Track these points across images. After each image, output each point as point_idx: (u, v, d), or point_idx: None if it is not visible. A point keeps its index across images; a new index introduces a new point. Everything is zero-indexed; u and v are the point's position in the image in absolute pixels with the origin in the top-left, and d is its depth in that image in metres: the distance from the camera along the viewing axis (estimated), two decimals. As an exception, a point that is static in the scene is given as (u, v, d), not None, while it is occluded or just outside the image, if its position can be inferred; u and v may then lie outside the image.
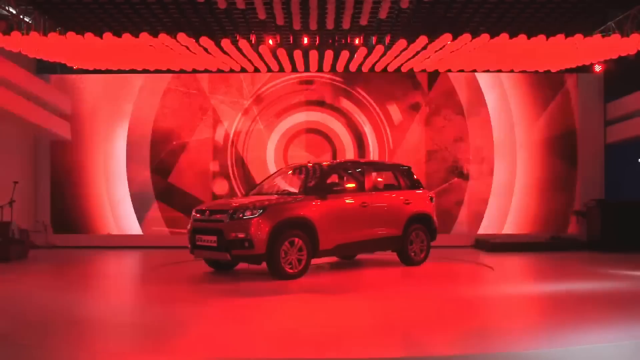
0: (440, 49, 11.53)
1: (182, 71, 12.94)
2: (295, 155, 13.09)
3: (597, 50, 11.26)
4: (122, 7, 11.23)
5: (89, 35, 10.70)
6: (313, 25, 11.31)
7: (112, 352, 4.36)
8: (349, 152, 13.36)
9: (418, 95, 13.50)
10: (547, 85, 13.54)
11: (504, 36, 10.92)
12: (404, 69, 12.81)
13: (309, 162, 9.76)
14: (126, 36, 10.68)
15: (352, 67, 12.86)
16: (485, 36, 10.99)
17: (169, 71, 12.99)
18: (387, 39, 12.62)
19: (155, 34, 11.02)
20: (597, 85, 13.64)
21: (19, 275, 8.88)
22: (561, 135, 13.53)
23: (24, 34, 10.35)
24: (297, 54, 12.32)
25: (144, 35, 10.74)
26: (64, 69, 12.98)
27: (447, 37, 11.02)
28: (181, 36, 10.98)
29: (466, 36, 11.04)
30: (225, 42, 11.32)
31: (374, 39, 13.13)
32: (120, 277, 8.54)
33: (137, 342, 4.63)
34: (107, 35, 10.74)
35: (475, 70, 13.15)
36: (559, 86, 13.54)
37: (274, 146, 13.31)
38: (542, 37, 11.03)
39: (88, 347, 4.50)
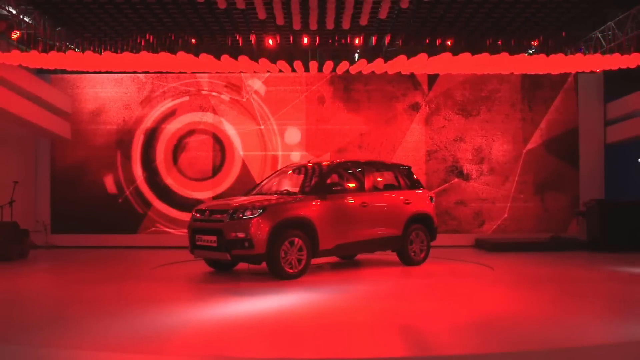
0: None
1: (181, 72, 12.94)
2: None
3: (597, 64, 11.44)
4: (122, 7, 11.24)
5: (88, 53, 10.91)
6: (313, 26, 11.32)
7: (112, 352, 4.36)
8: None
9: (418, 95, 13.50)
10: (547, 85, 13.54)
11: (504, 55, 11.08)
12: (403, 72, 12.83)
13: (309, 162, 9.76)
14: (126, 54, 10.94)
15: (352, 71, 12.86)
16: (485, 55, 11.14)
17: (168, 72, 12.98)
18: (387, 39, 12.63)
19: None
20: (597, 85, 13.64)
21: (19, 275, 8.87)
22: (561, 135, 13.52)
23: (23, 50, 10.54)
24: (298, 65, 12.35)
25: (144, 54, 10.95)
26: (64, 69, 12.97)
27: (447, 56, 11.16)
28: (181, 54, 11.10)
29: (466, 55, 11.18)
30: (225, 58, 11.41)
31: (374, 39, 13.13)
32: (120, 277, 8.53)
33: (137, 342, 4.62)
34: (107, 54, 10.99)
35: (475, 74, 13.15)
36: (559, 86, 13.53)
37: (271, 145, 13.32)
38: (542, 56, 11.27)
39: (88, 347, 4.50)
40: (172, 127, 13.35)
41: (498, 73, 13.06)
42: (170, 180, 13.26)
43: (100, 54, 10.94)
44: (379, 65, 12.01)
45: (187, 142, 13.34)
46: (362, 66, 12.20)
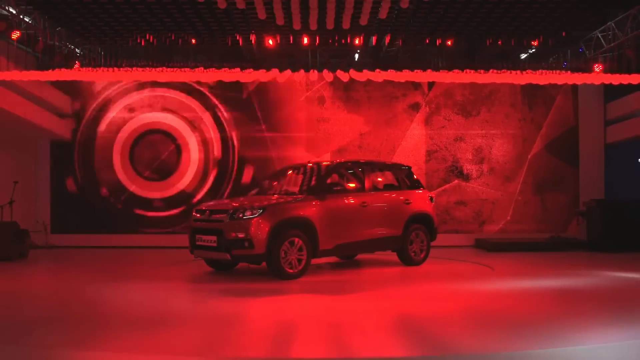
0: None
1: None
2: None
3: (597, 79, 11.58)
4: (122, 7, 11.25)
5: (88, 70, 11.05)
6: (313, 26, 11.32)
7: (112, 352, 4.36)
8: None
9: (418, 95, 13.49)
10: (547, 86, 13.52)
11: (505, 72, 11.19)
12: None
13: (309, 162, 9.75)
14: (125, 73, 11.10)
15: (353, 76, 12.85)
16: (483, 74, 11.27)
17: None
18: (387, 39, 12.64)
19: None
20: (597, 85, 13.62)
21: (19, 275, 8.87)
22: (561, 135, 13.52)
23: (22, 70, 10.82)
24: (300, 75, 12.41)
25: (147, 72, 11.12)
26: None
27: (444, 74, 11.26)
28: (184, 72, 11.22)
29: (465, 74, 11.29)
30: (226, 71, 11.52)
31: (374, 39, 13.13)
32: (120, 277, 8.53)
33: (137, 341, 4.62)
34: (106, 72, 11.12)
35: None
36: (559, 86, 13.52)
37: (275, 145, 13.29)
38: (543, 71, 11.47)
39: (87, 347, 4.50)
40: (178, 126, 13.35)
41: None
42: None
43: (100, 52, 11.07)
44: (377, 75, 12.02)
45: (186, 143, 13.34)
46: (360, 76, 12.19)
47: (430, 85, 13.46)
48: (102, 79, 12.58)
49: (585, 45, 13.01)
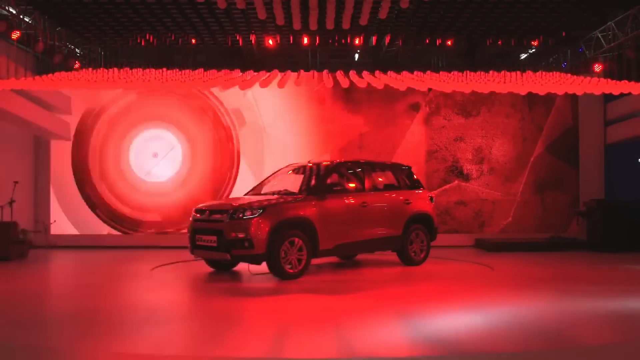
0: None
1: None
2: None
3: (598, 87, 11.60)
4: (122, 7, 11.26)
5: (87, 71, 11.14)
6: (313, 26, 11.33)
7: (112, 351, 4.36)
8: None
9: (418, 95, 13.48)
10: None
11: (505, 74, 11.25)
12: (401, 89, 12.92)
13: (309, 162, 9.75)
14: (124, 82, 11.18)
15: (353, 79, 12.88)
16: (483, 80, 11.34)
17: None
18: (387, 39, 12.65)
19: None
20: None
21: (19, 275, 8.87)
22: (561, 135, 13.52)
23: (22, 69, 10.88)
24: (301, 78, 12.44)
25: (146, 82, 11.17)
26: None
27: (445, 83, 11.34)
28: (183, 77, 11.30)
29: (466, 75, 11.36)
30: (226, 72, 11.55)
31: (374, 39, 13.14)
32: (120, 276, 8.53)
33: (136, 341, 4.63)
34: (105, 80, 11.34)
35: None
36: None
37: (272, 145, 13.27)
38: (543, 72, 11.51)
39: (87, 347, 4.50)
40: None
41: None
42: None
43: (101, 53, 11.10)
44: (377, 81, 12.05)
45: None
46: (361, 82, 12.21)
47: (430, 85, 13.46)
48: (100, 88, 12.52)
49: (585, 45, 13.02)
